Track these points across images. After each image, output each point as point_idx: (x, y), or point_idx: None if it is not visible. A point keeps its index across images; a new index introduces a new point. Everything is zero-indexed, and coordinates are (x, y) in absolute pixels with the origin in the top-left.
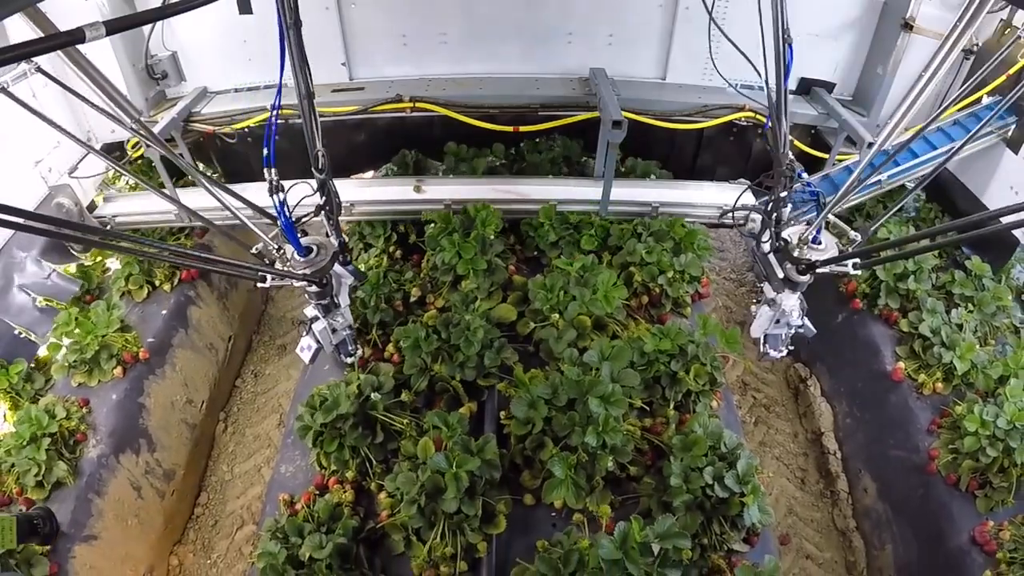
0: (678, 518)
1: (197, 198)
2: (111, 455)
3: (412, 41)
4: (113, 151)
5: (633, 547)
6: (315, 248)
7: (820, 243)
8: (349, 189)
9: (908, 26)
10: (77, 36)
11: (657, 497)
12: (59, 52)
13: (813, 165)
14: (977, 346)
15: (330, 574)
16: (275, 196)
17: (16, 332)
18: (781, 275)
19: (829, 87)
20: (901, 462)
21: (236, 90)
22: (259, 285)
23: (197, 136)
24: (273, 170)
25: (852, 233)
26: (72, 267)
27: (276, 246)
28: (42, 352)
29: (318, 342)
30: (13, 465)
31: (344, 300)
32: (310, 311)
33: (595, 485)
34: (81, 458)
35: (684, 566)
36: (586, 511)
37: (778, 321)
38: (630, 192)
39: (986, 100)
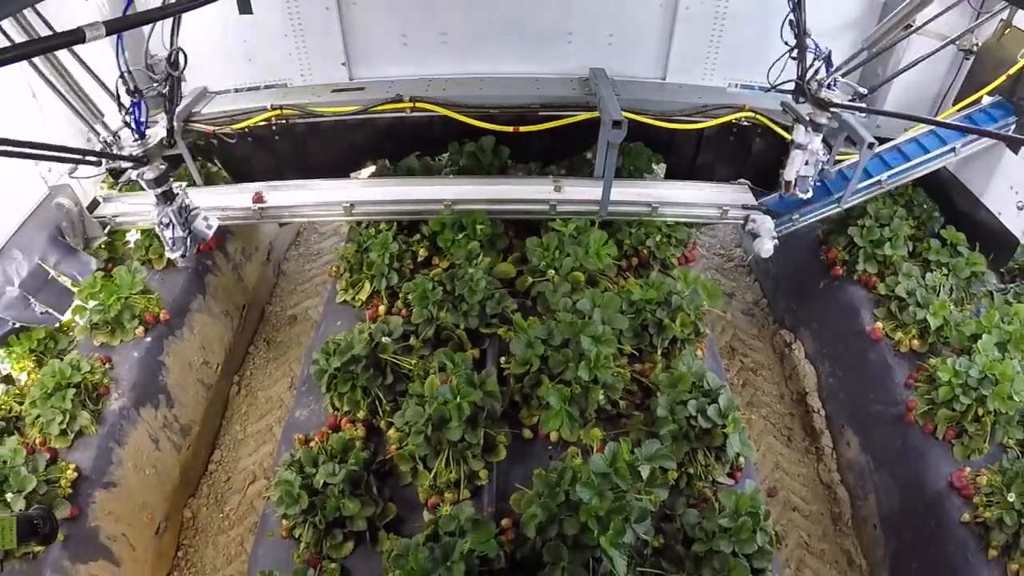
0: (664, 445)
1: (197, 197)
2: (132, 408)
3: (412, 41)
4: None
5: (622, 464)
6: (148, 136)
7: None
8: (350, 189)
9: (908, 26)
10: (77, 36)
11: (645, 430)
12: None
13: None
14: (951, 306)
15: (342, 498)
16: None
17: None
18: (807, 117)
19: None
20: (881, 416)
21: (236, 90)
22: (94, 171)
23: (197, 136)
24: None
25: (860, 89)
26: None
27: (111, 134)
28: (65, 317)
29: (174, 228)
30: (38, 416)
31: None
32: (157, 210)
33: (588, 418)
34: (103, 410)
35: (671, 488)
36: (580, 443)
37: (807, 162)
38: (630, 192)
39: (986, 100)
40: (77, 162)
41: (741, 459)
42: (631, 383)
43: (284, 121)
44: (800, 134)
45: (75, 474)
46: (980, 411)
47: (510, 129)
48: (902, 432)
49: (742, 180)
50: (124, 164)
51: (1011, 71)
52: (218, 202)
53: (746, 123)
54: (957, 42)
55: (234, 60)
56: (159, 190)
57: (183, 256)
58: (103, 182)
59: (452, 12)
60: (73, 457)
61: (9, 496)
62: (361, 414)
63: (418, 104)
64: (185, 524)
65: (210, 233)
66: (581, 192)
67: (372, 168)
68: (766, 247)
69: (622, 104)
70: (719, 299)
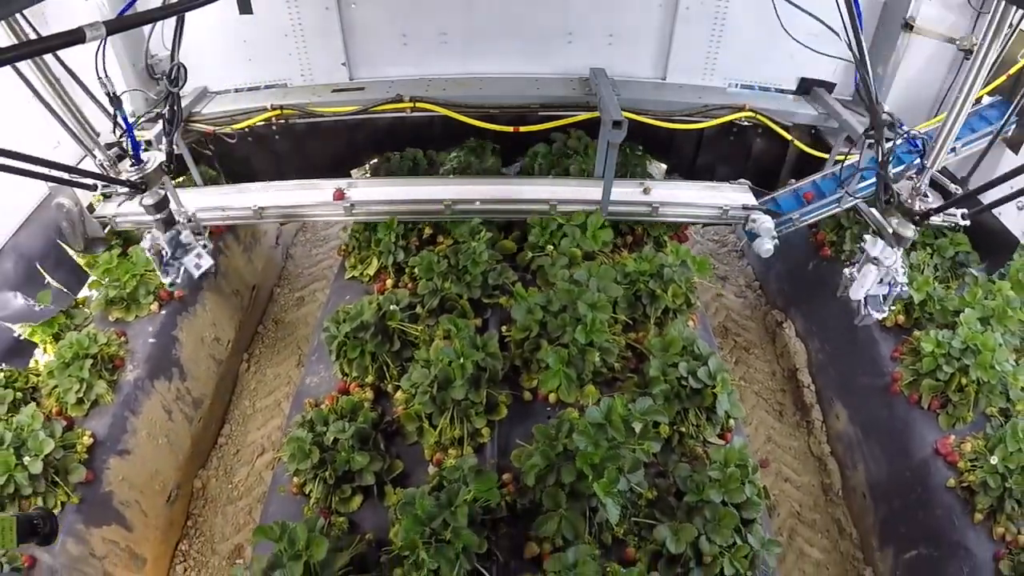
0: (657, 403)
1: (198, 198)
2: (146, 379)
3: (412, 41)
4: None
5: (616, 417)
6: (146, 160)
7: (927, 196)
8: (350, 190)
9: (908, 26)
10: (77, 36)
11: (639, 391)
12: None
13: (813, 165)
14: (935, 283)
15: (351, 453)
16: (118, 110)
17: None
18: (891, 230)
19: (829, 87)
20: (868, 388)
21: (236, 90)
22: (93, 195)
23: (197, 136)
24: (108, 80)
25: (951, 186)
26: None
27: (110, 157)
28: (81, 294)
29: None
30: (55, 386)
31: (179, 207)
32: (160, 240)
33: (584, 380)
34: (119, 380)
35: (664, 446)
36: (577, 404)
37: (881, 280)
38: (630, 192)
39: (986, 100)
40: (73, 184)
41: (731, 421)
42: (625, 350)
43: (284, 121)
44: (876, 247)
45: (91, 440)
46: (963, 381)
47: (510, 129)
48: (888, 403)
49: (742, 180)
50: (121, 189)
51: (1011, 71)
52: (209, 206)
53: (746, 123)
54: (957, 42)
55: (234, 60)
56: (158, 216)
57: (172, 285)
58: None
59: (452, 12)
60: (89, 425)
61: (27, 459)
62: (369, 379)
63: (418, 104)
64: (195, 494)
65: (198, 273)
66: (582, 192)
67: (374, 160)
68: (766, 247)
69: (622, 104)
70: (708, 271)
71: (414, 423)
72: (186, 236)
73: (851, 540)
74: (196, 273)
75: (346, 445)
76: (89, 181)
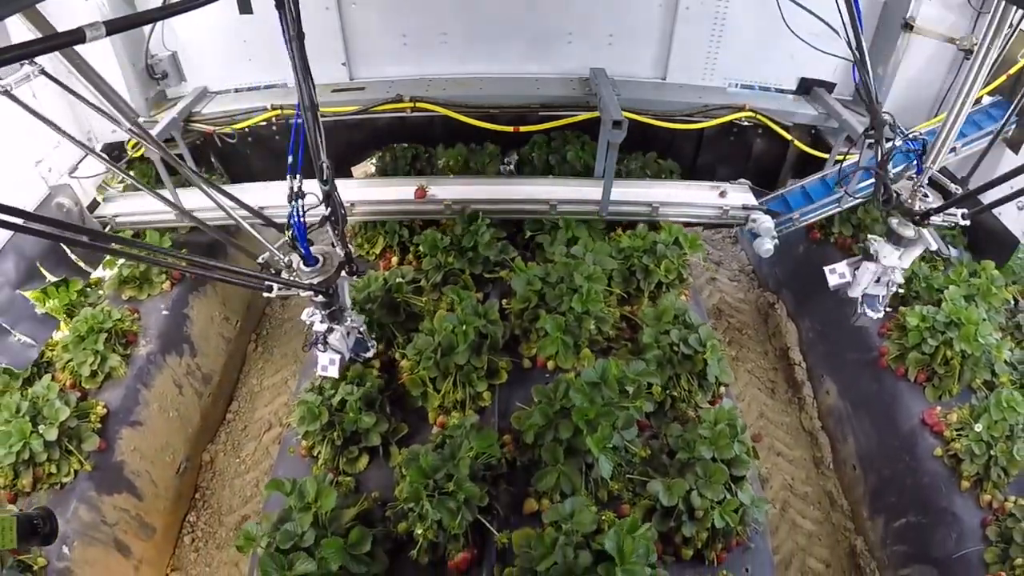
0: (650, 367)
1: (200, 199)
2: (158, 354)
3: (412, 41)
4: (113, 151)
5: (611, 377)
6: (321, 258)
7: (927, 195)
8: (350, 189)
9: (908, 26)
10: (77, 36)
11: (633, 357)
12: (58, 52)
13: (813, 165)
14: (920, 263)
15: (359, 414)
16: (295, 203)
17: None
18: (890, 229)
19: (829, 87)
20: (857, 363)
21: (236, 90)
22: (265, 295)
23: (197, 136)
24: (297, 176)
25: (952, 186)
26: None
27: (283, 256)
28: (96, 275)
29: (337, 351)
30: (69, 360)
31: (347, 302)
32: (319, 326)
33: (581, 347)
34: (132, 355)
35: (657, 410)
36: (574, 370)
37: (878, 280)
38: (630, 192)
39: (986, 100)
40: (254, 288)
41: (722, 389)
42: (620, 321)
43: (284, 121)
44: (879, 247)
45: (104, 411)
46: (948, 353)
47: (510, 129)
48: (877, 377)
49: (742, 180)
50: (303, 292)
51: (1011, 71)
52: (210, 207)
53: (746, 123)
54: (957, 42)
55: (234, 60)
56: (326, 312)
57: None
58: (103, 182)
59: (452, 12)
60: (102, 397)
61: (42, 428)
62: (377, 348)
63: (418, 104)
64: (203, 467)
65: (363, 357)
66: (582, 192)
67: (375, 159)
68: (766, 247)
69: (622, 104)
70: (699, 249)
71: (419, 388)
72: (350, 324)
73: (842, 511)
74: (362, 359)
75: (354, 406)
76: (275, 284)
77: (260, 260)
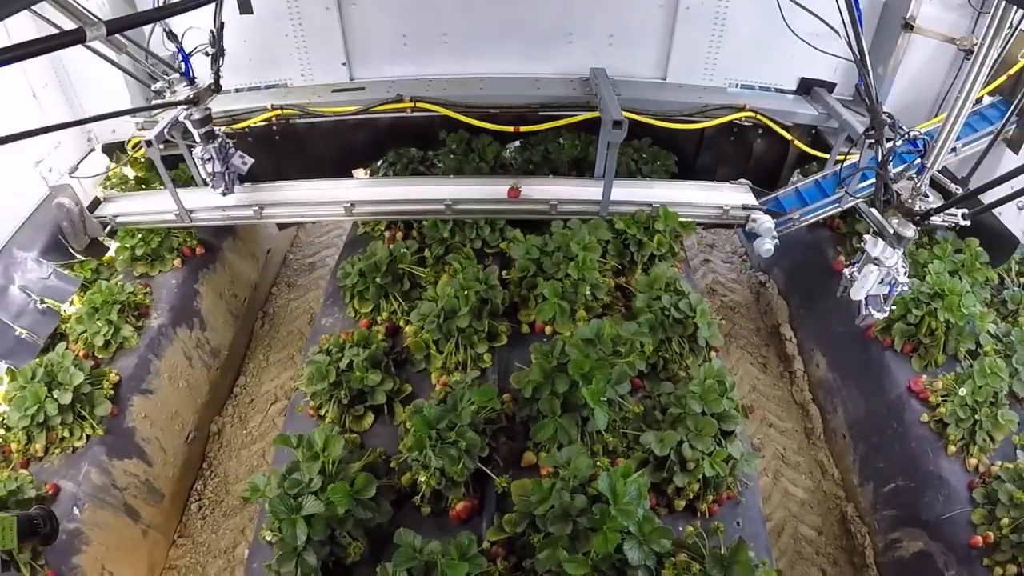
0: (642, 329)
1: (200, 198)
2: (169, 326)
3: (413, 41)
4: (113, 151)
5: (605, 335)
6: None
7: (928, 196)
8: (350, 189)
9: (908, 26)
10: (78, 36)
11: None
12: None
13: (813, 165)
14: None
15: (365, 373)
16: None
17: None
18: (892, 230)
19: (829, 87)
20: (845, 336)
21: (236, 90)
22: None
23: None
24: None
25: (952, 186)
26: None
27: (167, 82)
28: (110, 254)
29: (213, 159)
30: (83, 331)
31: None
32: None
33: (576, 310)
34: (144, 327)
35: (650, 371)
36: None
37: (882, 281)
38: (630, 192)
39: (986, 100)
40: (127, 113)
41: (712, 354)
42: (614, 290)
43: (284, 121)
44: (877, 247)
45: (116, 378)
46: (933, 324)
47: (510, 129)
48: (864, 348)
49: (742, 180)
50: (178, 105)
51: (1011, 71)
52: (211, 206)
53: (747, 123)
54: (957, 42)
55: (234, 60)
56: (203, 129)
57: (225, 193)
58: (103, 183)
59: (452, 12)
60: (115, 366)
61: (56, 393)
62: (382, 316)
63: (419, 104)
64: (211, 438)
65: (245, 168)
66: (582, 192)
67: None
68: (766, 247)
69: (622, 104)
70: (692, 229)
71: (422, 351)
72: (228, 142)
73: (833, 479)
74: (244, 169)
75: (361, 365)
76: (153, 108)
77: (154, 88)
